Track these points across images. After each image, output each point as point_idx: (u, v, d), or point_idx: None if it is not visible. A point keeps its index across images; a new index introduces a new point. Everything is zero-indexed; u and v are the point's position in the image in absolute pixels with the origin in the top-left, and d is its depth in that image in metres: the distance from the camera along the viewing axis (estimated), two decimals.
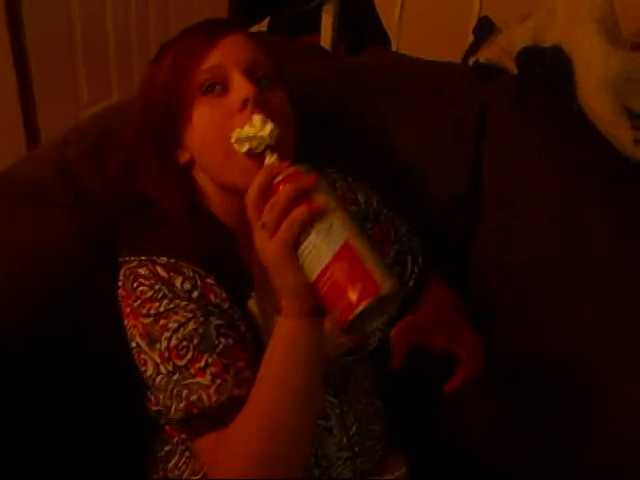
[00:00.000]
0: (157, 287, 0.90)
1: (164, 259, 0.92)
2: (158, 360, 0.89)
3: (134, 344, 0.92)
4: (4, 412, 0.97)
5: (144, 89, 1.02)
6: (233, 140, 0.91)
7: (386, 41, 1.73)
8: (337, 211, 0.78)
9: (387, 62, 1.41)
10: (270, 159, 0.88)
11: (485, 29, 1.45)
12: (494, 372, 1.17)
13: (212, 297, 0.92)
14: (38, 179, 1.11)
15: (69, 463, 1.06)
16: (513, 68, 1.32)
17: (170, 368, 0.88)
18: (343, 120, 1.27)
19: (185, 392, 0.87)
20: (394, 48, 1.66)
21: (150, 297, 0.90)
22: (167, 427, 1.04)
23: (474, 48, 1.46)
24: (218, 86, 0.94)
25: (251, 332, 0.94)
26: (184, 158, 0.99)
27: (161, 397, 0.90)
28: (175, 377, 0.88)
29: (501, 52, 1.32)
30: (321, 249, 0.76)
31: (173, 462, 1.04)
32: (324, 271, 0.76)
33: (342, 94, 1.28)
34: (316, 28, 1.64)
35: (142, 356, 0.91)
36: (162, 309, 0.89)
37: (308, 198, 0.78)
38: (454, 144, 1.27)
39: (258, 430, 0.83)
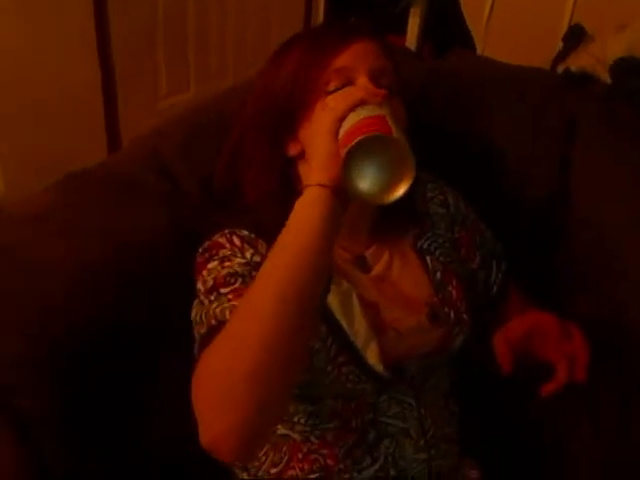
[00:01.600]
0: (228, 246, 0.94)
1: (245, 232, 0.95)
2: (202, 291, 0.91)
3: (195, 287, 0.94)
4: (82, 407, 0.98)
5: (265, 79, 1.04)
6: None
7: (470, 44, 1.73)
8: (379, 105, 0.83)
9: (475, 66, 1.41)
10: None
11: (576, 36, 1.44)
12: None
13: None
14: (134, 172, 1.15)
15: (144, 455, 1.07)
16: (606, 78, 1.31)
17: (212, 298, 0.89)
18: (432, 123, 1.27)
19: (212, 312, 0.88)
20: (479, 52, 1.65)
21: (220, 244, 0.95)
22: None
23: (563, 55, 1.45)
24: (343, 87, 0.96)
25: (327, 327, 0.94)
26: (294, 150, 1.01)
27: (196, 327, 0.91)
28: (214, 305, 0.88)
29: (594, 61, 1.31)
30: (355, 115, 0.80)
31: None
32: (349, 129, 0.79)
33: (431, 98, 1.29)
34: (402, 29, 1.65)
35: (197, 297, 0.93)
36: (229, 253, 0.93)
37: None
38: (543, 150, 1.26)
39: (236, 323, 0.78)
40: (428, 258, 1.08)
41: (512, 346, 1.08)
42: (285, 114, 0.99)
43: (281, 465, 1.01)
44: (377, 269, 1.04)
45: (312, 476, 0.99)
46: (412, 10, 1.63)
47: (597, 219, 1.27)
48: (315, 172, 0.82)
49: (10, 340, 0.93)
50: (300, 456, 1.00)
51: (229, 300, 0.88)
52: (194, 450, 0.77)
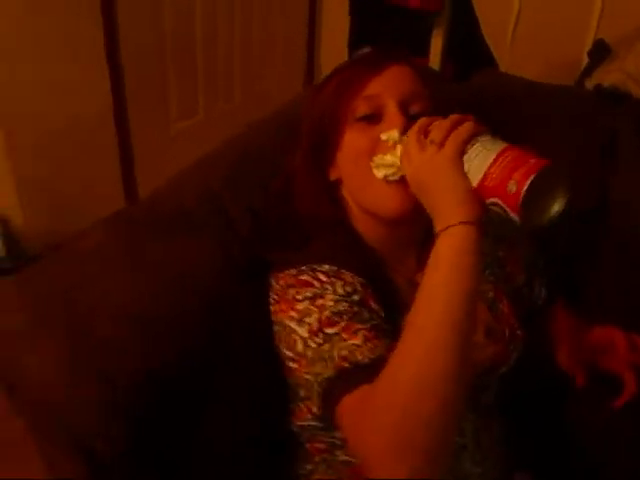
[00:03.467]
0: (316, 283, 0.93)
1: (326, 266, 0.95)
2: (306, 335, 0.89)
3: (283, 329, 0.94)
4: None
5: (308, 114, 1.08)
6: (373, 165, 0.97)
7: (492, 63, 1.74)
8: (488, 132, 0.85)
9: (507, 84, 1.42)
10: None
11: (601, 52, 1.46)
12: None
13: (372, 303, 0.94)
14: (184, 205, 1.14)
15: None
16: (638, 93, 1.32)
17: (320, 340, 0.88)
18: None
19: (336, 353, 0.86)
20: (503, 69, 1.67)
21: (308, 286, 0.93)
22: (308, 445, 1.06)
23: (589, 71, 1.47)
24: (373, 114, 0.99)
25: None
26: (334, 175, 1.05)
27: (311, 369, 0.89)
28: (326, 346, 0.87)
29: (625, 77, 1.33)
30: (486, 151, 0.81)
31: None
32: (492, 165, 0.79)
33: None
34: (425, 50, 1.66)
35: (292, 336, 0.92)
36: (319, 290, 0.92)
37: None
38: (583, 167, 1.28)
39: (411, 374, 0.75)
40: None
41: (582, 360, 1.09)
42: (322, 141, 1.04)
43: None
44: None
45: None
46: (434, 31, 1.64)
47: (635, 238, 1.29)
48: (454, 210, 0.82)
49: (88, 384, 0.92)
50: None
51: (345, 339, 0.87)
52: None
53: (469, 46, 1.71)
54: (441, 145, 0.85)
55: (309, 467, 1.07)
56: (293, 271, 0.97)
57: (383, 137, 0.97)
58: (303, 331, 0.90)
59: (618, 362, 1.12)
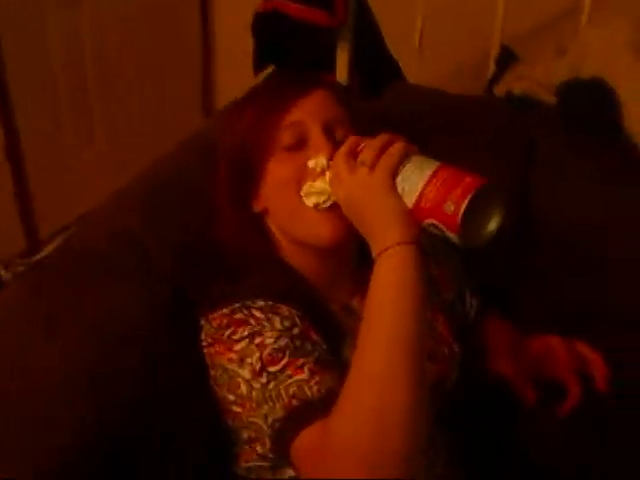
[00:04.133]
0: (252, 321, 0.89)
1: (260, 302, 0.91)
2: (249, 376, 0.86)
3: (223, 372, 0.90)
4: None
5: (226, 144, 1.03)
6: (302, 193, 0.93)
7: (398, 74, 1.74)
8: (420, 152, 0.83)
9: (420, 99, 1.41)
10: None
11: (507, 59, 1.48)
12: None
13: (313, 335, 0.91)
14: (99, 249, 1.07)
15: None
16: (550, 100, 1.34)
17: (264, 380, 0.84)
18: None
19: (284, 391, 0.83)
20: (411, 80, 1.67)
21: (244, 325, 0.89)
22: None
23: (497, 78, 1.49)
24: (297, 142, 0.95)
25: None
26: (259, 207, 1.01)
27: (258, 412, 0.86)
28: (271, 385, 0.84)
29: (535, 84, 1.34)
30: (419, 171, 0.79)
31: None
32: (426, 185, 0.78)
33: None
34: (331, 65, 1.64)
35: (235, 379, 0.88)
36: (257, 328, 0.88)
37: None
38: (504, 173, 1.27)
39: (372, 398, 0.73)
40: None
41: (525, 374, 1.09)
42: (244, 172, 0.99)
43: None
44: None
45: None
46: (339, 45, 1.62)
47: (559, 239, 1.30)
48: (390, 232, 0.80)
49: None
50: None
51: (290, 376, 0.83)
52: None
53: (375, 59, 1.71)
54: (372, 167, 0.82)
55: None
56: (226, 310, 0.92)
57: (310, 164, 0.93)
58: (245, 372, 0.86)
59: (560, 369, 1.12)
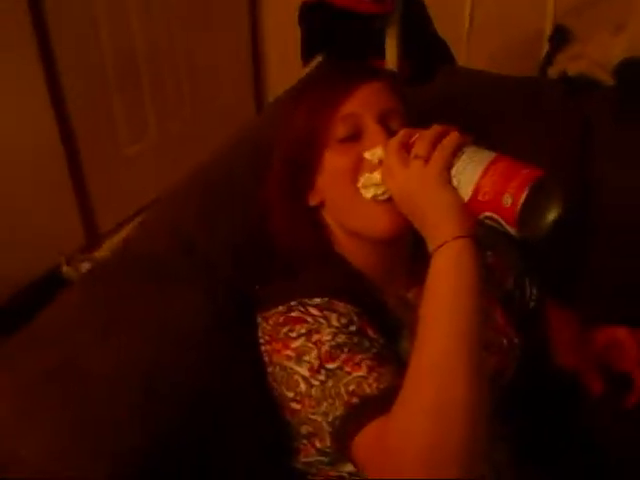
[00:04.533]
0: (309, 319, 0.89)
1: (317, 300, 0.91)
2: (308, 374, 0.86)
3: (281, 370, 0.90)
4: None
5: (281, 140, 1.03)
6: (360, 185, 0.93)
7: (449, 58, 1.71)
8: (474, 143, 0.82)
9: (473, 82, 1.38)
10: None
11: (562, 38, 1.43)
12: None
13: (370, 332, 0.90)
14: (158, 254, 1.08)
15: None
16: (607, 80, 1.30)
17: (322, 377, 0.85)
18: None
19: (343, 388, 0.83)
20: (461, 64, 1.63)
21: (301, 322, 0.89)
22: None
23: (550, 58, 1.44)
24: (353, 134, 0.95)
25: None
26: (315, 200, 1.00)
27: (317, 410, 0.86)
28: (330, 383, 0.84)
29: (592, 64, 1.30)
30: (474, 163, 0.78)
31: None
32: (482, 177, 0.77)
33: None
34: (381, 51, 1.62)
35: (293, 377, 0.88)
36: (314, 325, 0.88)
37: None
38: (563, 156, 1.25)
39: (431, 391, 0.73)
40: None
41: (591, 365, 1.07)
42: (300, 166, 0.99)
43: None
44: None
45: None
46: (388, 31, 1.60)
47: (617, 225, 1.27)
48: (447, 227, 0.80)
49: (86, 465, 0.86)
50: None
51: (349, 373, 0.83)
52: None
53: (424, 43, 1.68)
54: (426, 160, 0.81)
55: None
56: (282, 308, 0.93)
57: (367, 156, 0.93)
58: (304, 370, 0.87)
59: (626, 361, 1.11)
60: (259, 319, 0.97)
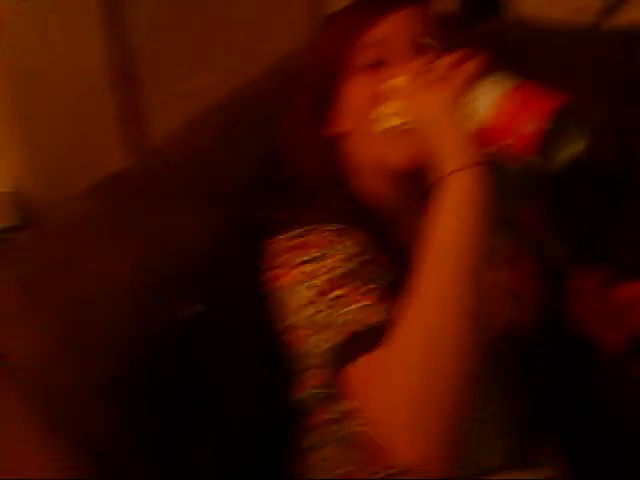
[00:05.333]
0: (324, 242, 0.89)
1: (333, 225, 0.91)
2: (316, 298, 0.85)
3: (288, 293, 0.90)
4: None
5: (307, 64, 1.01)
6: (379, 115, 0.90)
7: (506, 5, 1.64)
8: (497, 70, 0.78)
9: (526, 28, 1.35)
10: None
11: None
12: None
13: (382, 262, 0.90)
14: (177, 165, 1.09)
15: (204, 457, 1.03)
16: None
17: (331, 302, 0.84)
18: None
19: (350, 316, 0.82)
20: (520, 13, 1.57)
21: (315, 247, 0.89)
22: (312, 417, 1.02)
23: (613, 9, 1.37)
24: (380, 60, 0.92)
25: None
26: (338, 129, 0.98)
27: (322, 334, 0.85)
28: (338, 309, 0.83)
29: None
30: (498, 86, 0.76)
31: (319, 454, 1.01)
32: (505, 102, 0.75)
33: None
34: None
35: (301, 301, 0.87)
36: (328, 250, 0.88)
37: None
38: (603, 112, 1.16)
39: (423, 335, 0.73)
40: None
41: (610, 319, 1.05)
42: (324, 92, 0.97)
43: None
44: None
45: None
46: None
47: None
48: (459, 153, 0.77)
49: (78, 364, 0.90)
50: None
51: (357, 300, 0.83)
52: None
53: None
54: (445, 80, 0.79)
55: (312, 441, 1.03)
56: (299, 231, 0.92)
57: (390, 84, 0.90)
58: (312, 293, 0.86)
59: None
60: (271, 243, 0.96)
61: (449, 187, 0.77)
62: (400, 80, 0.88)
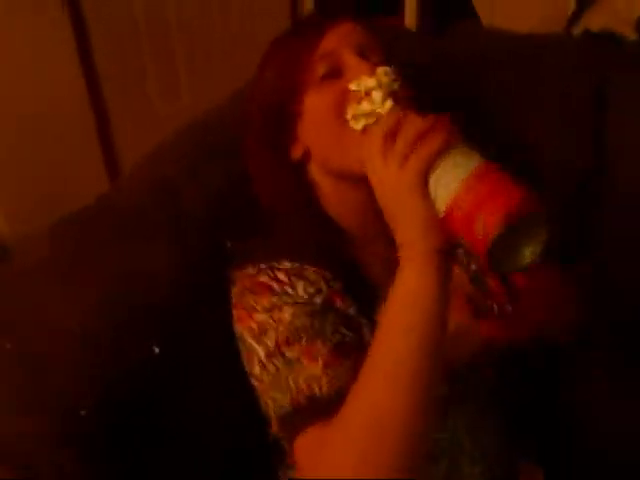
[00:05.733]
0: (275, 286, 0.87)
1: (287, 264, 0.89)
2: (264, 358, 0.84)
3: (242, 343, 0.89)
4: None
5: (255, 85, 0.99)
6: (349, 116, 0.87)
7: (472, 12, 1.63)
8: (463, 143, 0.73)
9: (484, 40, 1.31)
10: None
11: None
12: None
13: (338, 302, 0.88)
14: (138, 201, 1.06)
15: None
16: (630, 34, 1.20)
17: (279, 364, 0.82)
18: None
19: (293, 382, 0.81)
20: (485, 20, 1.55)
21: (266, 293, 0.87)
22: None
23: (577, 16, 1.36)
24: (333, 70, 0.90)
25: None
26: (298, 152, 0.95)
27: (269, 394, 0.84)
28: (283, 372, 0.82)
29: (615, 18, 1.21)
30: (456, 172, 0.70)
31: None
32: (459, 192, 0.69)
33: (438, 80, 1.17)
34: (398, 8, 1.56)
35: (251, 355, 0.86)
36: (277, 302, 0.85)
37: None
38: (573, 122, 1.17)
39: (369, 417, 0.71)
40: (460, 251, 1.01)
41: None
42: (279, 116, 0.94)
43: None
44: None
45: None
46: None
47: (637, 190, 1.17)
48: (420, 240, 0.74)
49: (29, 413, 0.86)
50: None
51: (304, 366, 0.81)
52: None
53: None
54: (404, 161, 0.73)
55: (292, 473, 1.01)
56: (252, 270, 0.90)
57: (353, 87, 0.87)
58: (261, 351, 0.85)
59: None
60: (233, 277, 0.94)
61: (405, 270, 0.74)
62: (366, 80, 0.86)
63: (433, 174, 0.72)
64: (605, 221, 1.21)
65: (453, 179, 0.70)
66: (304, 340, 0.82)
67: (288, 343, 0.82)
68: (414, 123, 0.75)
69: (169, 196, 1.07)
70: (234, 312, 0.91)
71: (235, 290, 0.92)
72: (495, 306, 0.98)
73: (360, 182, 0.88)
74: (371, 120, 0.85)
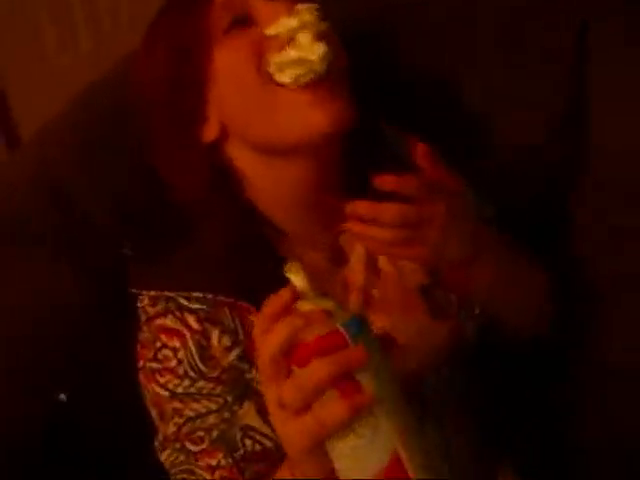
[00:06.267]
0: (181, 356, 0.76)
1: (196, 305, 0.77)
2: (168, 433, 0.77)
3: (146, 403, 0.81)
4: None
5: (148, 64, 0.82)
6: (272, 68, 0.72)
7: None
8: (384, 402, 0.57)
9: None
10: (295, 284, 0.59)
11: None
12: None
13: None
14: (20, 205, 0.90)
15: None
16: None
17: (178, 446, 0.77)
18: (396, 63, 1.02)
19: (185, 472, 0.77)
20: None
21: (171, 369, 0.77)
22: None
23: None
24: (240, 17, 0.75)
25: None
26: (212, 132, 0.79)
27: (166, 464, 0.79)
28: (182, 458, 0.77)
29: None
30: (364, 458, 0.57)
31: None
32: None
33: (394, 33, 1.02)
34: None
35: (155, 421, 0.80)
36: (180, 390, 0.77)
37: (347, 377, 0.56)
38: (549, 70, 1.02)
39: None
40: None
41: None
42: (180, 89, 0.79)
43: None
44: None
45: None
46: None
47: (613, 147, 1.02)
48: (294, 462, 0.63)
49: None
50: None
51: (201, 468, 0.75)
52: None
53: None
54: (298, 412, 0.57)
55: None
56: (158, 305, 0.78)
57: (271, 31, 0.73)
58: (166, 429, 0.78)
59: None
60: (139, 296, 0.81)
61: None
62: (287, 22, 0.72)
63: (340, 440, 0.57)
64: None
65: (367, 461, 0.57)
66: (206, 443, 0.76)
67: (190, 438, 0.76)
68: (314, 372, 0.55)
69: (58, 200, 0.91)
70: (139, 352, 0.80)
71: (140, 316, 0.80)
72: (454, 297, 0.86)
73: (294, 154, 0.76)
74: (302, 70, 0.71)
